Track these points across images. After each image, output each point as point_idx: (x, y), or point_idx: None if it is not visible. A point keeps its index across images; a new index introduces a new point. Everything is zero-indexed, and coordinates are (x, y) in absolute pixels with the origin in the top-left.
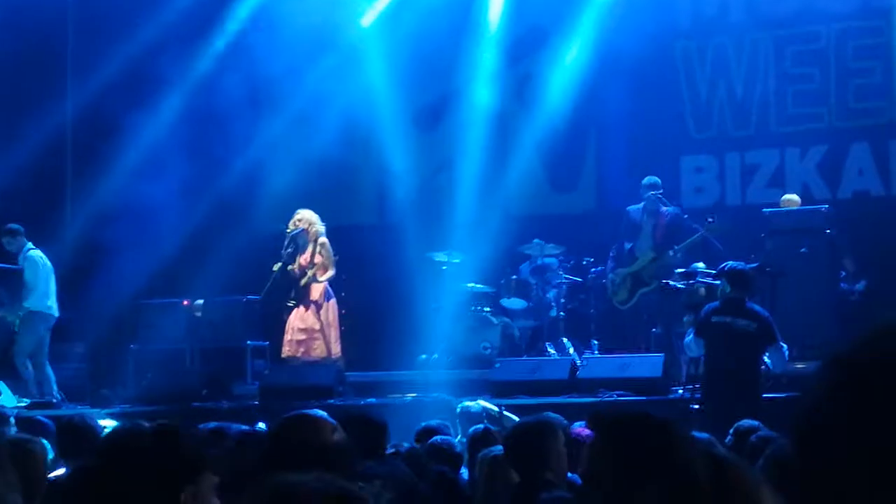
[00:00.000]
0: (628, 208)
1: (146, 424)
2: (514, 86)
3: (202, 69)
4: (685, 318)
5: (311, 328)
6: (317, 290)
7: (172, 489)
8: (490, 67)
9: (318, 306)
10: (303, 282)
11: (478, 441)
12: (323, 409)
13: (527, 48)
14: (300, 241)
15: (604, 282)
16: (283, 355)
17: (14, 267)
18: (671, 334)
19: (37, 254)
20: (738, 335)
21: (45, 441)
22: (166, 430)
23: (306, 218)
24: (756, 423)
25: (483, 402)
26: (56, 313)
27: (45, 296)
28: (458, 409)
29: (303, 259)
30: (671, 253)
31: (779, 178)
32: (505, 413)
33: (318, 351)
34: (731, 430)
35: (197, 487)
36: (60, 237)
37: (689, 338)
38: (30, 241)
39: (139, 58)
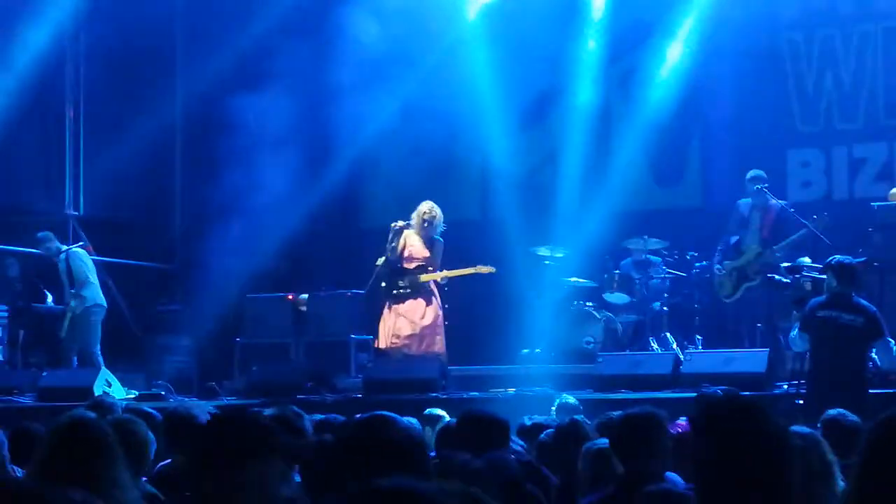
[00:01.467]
0: (738, 202)
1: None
2: (617, 80)
3: (303, 68)
4: (793, 313)
5: (434, 324)
6: (435, 287)
7: (235, 465)
8: (593, 62)
9: (435, 303)
10: (425, 277)
11: (567, 434)
12: (430, 403)
13: (631, 42)
14: (417, 232)
15: (708, 276)
16: (386, 346)
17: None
18: (776, 329)
19: (79, 250)
20: (845, 330)
21: (150, 432)
22: (229, 415)
23: (437, 214)
24: (843, 412)
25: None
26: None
27: (99, 288)
28: (556, 404)
29: (416, 252)
30: (775, 251)
31: (887, 171)
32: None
33: (438, 346)
34: (819, 422)
35: (263, 467)
36: (169, 232)
37: (795, 332)
38: (140, 236)
39: (247, 54)
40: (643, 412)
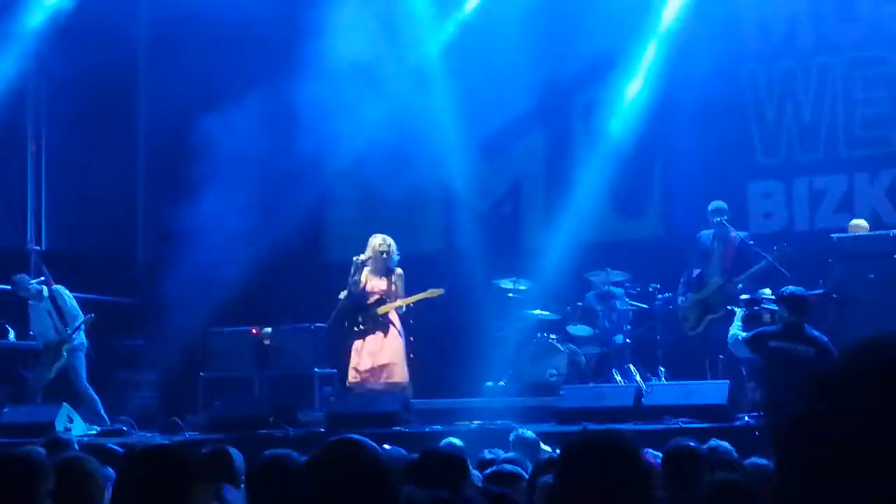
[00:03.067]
0: (700, 234)
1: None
2: (580, 111)
3: (267, 99)
4: (737, 315)
5: (393, 355)
6: (395, 319)
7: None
8: (556, 93)
9: (399, 333)
10: (382, 309)
11: (542, 469)
12: (390, 438)
13: (593, 73)
14: (375, 266)
15: (671, 308)
16: (349, 382)
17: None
18: (738, 361)
19: (60, 287)
20: (796, 360)
21: (109, 469)
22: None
23: (391, 246)
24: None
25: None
26: None
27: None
28: (512, 437)
29: (374, 285)
30: (736, 283)
31: (847, 203)
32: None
33: (395, 377)
34: None
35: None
36: (132, 266)
37: (740, 337)
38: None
39: (209, 85)
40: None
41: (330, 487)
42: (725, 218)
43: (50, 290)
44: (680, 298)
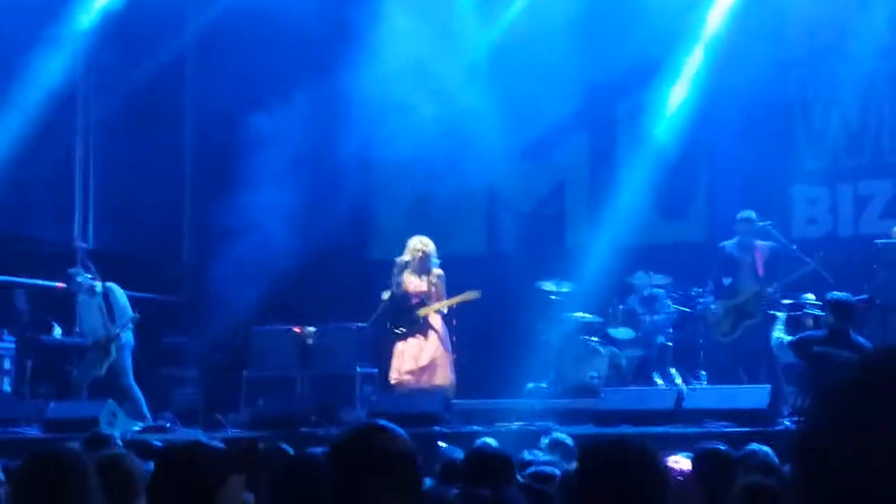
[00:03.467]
0: (722, 244)
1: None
2: (626, 114)
3: (312, 103)
4: (782, 319)
5: (434, 357)
6: (436, 320)
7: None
8: (602, 96)
9: (439, 335)
10: (422, 312)
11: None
12: (434, 437)
13: (639, 76)
14: (414, 268)
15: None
16: (393, 382)
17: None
18: (779, 366)
19: (114, 285)
20: (842, 367)
21: (151, 465)
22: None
23: (428, 247)
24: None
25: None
26: None
27: None
28: (546, 440)
29: (415, 287)
30: (772, 289)
31: (892, 208)
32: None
33: (440, 379)
34: None
35: (227, 487)
36: (177, 265)
37: (784, 341)
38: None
39: (256, 85)
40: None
41: (353, 472)
42: (751, 227)
43: (103, 287)
44: (712, 306)
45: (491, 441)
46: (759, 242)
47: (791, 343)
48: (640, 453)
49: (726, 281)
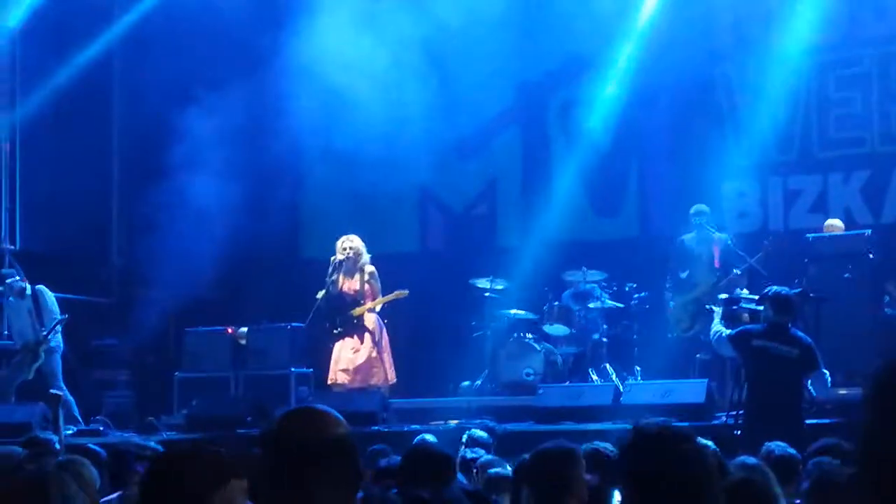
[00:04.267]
0: (682, 237)
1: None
2: (557, 110)
3: (242, 101)
4: (717, 314)
5: (370, 357)
6: (370, 319)
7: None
8: (533, 93)
9: (373, 334)
10: (356, 312)
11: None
12: (369, 437)
13: (570, 72)
14: (346, 268)
15: (647, 307)
16: (330, 382)
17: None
18: (718, 359)
19: (44, 287)
20: (780, 360)
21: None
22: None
23: (356, 246)
24: (782, 444)
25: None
26: None
27: None
28: (465, 437)
29: (348, 286)
30: (736, 272)
31: (822, 203)
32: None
33: (377, 379)
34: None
35: (225, 493)
36: (105, 266)
37: (723, 335)
38: (76, 270)
39: (185, 83)
40: (556, 446)
41: (286, 459)
42: (706, 220)
43: (33, 289)
44: (670, 303)
45: (430, 437)
46: (714, 235)
47: (730, 336)
48: (688, 441)
49: (683, 274)
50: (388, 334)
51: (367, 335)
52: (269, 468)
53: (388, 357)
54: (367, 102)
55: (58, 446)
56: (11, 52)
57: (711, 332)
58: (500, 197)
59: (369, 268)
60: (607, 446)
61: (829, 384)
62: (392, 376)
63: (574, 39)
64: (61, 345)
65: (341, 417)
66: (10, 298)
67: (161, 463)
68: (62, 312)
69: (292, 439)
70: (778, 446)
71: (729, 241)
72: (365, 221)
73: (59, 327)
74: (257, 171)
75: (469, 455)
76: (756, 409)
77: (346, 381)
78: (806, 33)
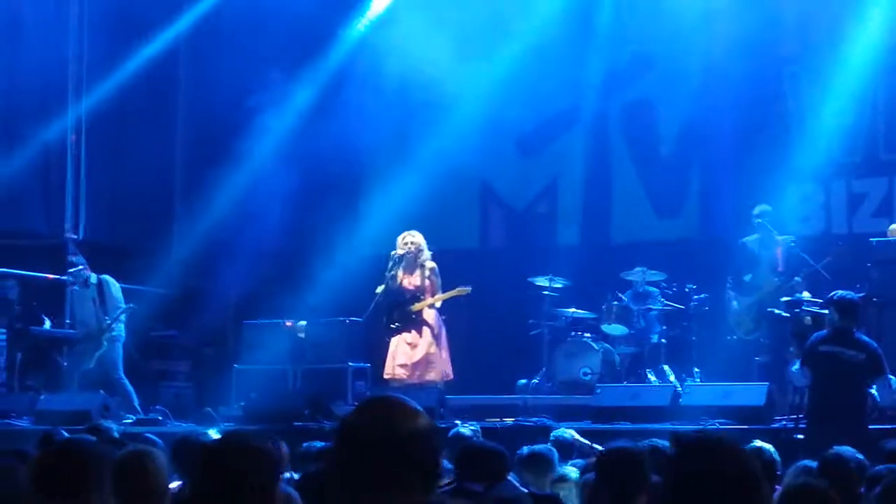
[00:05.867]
0: (743, 240)
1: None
2: (619, 110)
3: (305, 97)
4: (791, 349)
5: (428, 352)
6: (429, 315)
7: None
8: (595, 94)
9: (432, 329)
10: (415, 307)
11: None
12: None
13: (633, 73)
14: (406, 263)
15: (707, 309)
16: (387, 377)
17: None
18: (778, 363)
19: (110, 278)
20: (846, 365)
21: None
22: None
23: (417, 241)
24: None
25: (574, 434)
26: None
27: None
28: (551, 437)
29: (408, 282)
30: (797, 279)
31: (886, 207)
32: (594, 446)
33: (434, 374)
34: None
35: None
36: (168, 257)
37: (796, 366)
38: (138, 261)
39: (249, 80)
40: (631, 447)
41: (361, 449)
42: (769, 220)
43: (98, 279)
44: (733, 303)
45: (465, 430)
46: (777, 237)
47: (800, 362)
48: (736, 451)
49: (746, 277)
50: (447, 330)
51: (425, 330)
52: (342, 462)
53: (445, 353)
54: (430, 98)
55: (116, 435)
56: (78, 43)
57: (790, 372)
58: (561, 195)
59: (430, 264)
60: (666, 444)
61: (895, 390)
62: (450, 372)
63: (639, 40)
64: (123, 335)
65: (420, 408)
66: (76, 287)
67: (224, 454)
68: (126, 303)
69: (371, 432)
70: (846, 451)
71: (792, 244)
72: (425, 217)
73: (123, 316)
74: (320, 164)
75: (525, 452)
76: (820, 413)
77: (403, 377)
78: (873, 35)
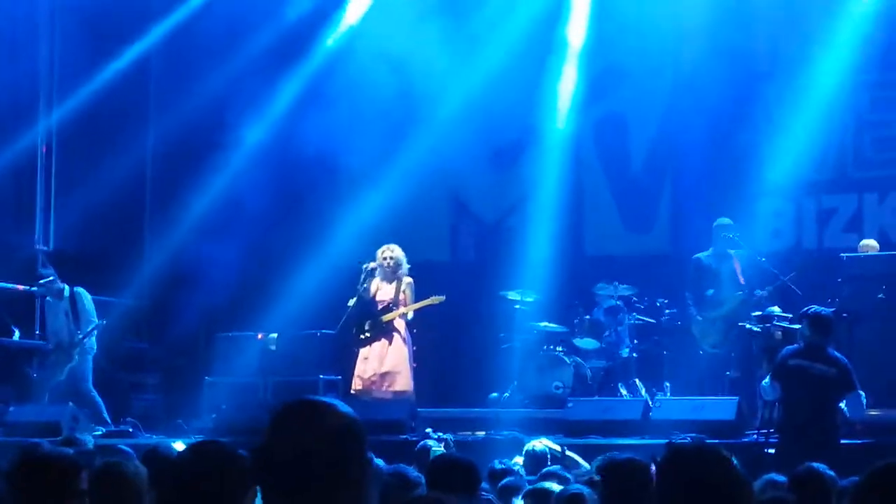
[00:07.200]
0: (697, 256)
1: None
2: (590, 125)
3: (279, 108)
4: (763, 363)
5: (395, 364)
6: (400, 326)
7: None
8: (567, 107)
9: (403, 340)
10: (387, 317)
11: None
12: (399, 445)
13: (604, 88)
14: (382, 275)
15: (678, 323)
16: (353, 390)
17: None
18: (753, 377)
19: (83, 290)
20: (816, 380)
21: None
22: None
23: (396, 255)
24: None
25: (546, 442)
26: None
27: None
28: (524, 450)
29: (382, 294)
30: (759, 293)
31: (856, 223)
32: (568, 453)
33: (399, 386)
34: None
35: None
36: (138, 269)
37: (766, 381)
38: (108, 272)
39: (220, 89)
40: (630, 458)
41: (291, 454)
42: (731, 234)
43: (71, 291)
44: (697, 318)
45: (433, 444)
46: (733, 251)
47: (770, 376)
48: (723, 462)
49: (709, 292)
50: (417, 343)
51: (396, 340)
52: (273, 485)
53: (409, 368)
54: (402, 110)
55: (91, 447)
56: (49, 53)
57: (761, 387)
58: (532, 209)
59: (408, 279)
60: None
61: (864, 406)
62: (411, 386)
63: (610, 54)
64: (94, 347)
65: (337, 403)
66: (48, 298)
67: (197, 463)
68: (100, 317)
69: (289, 449)
70: (818, 466)
71: (750, 256)
72: (397, 229)
73: (96, 332)
74: (292, 175)
75: (498, 466)
76: (791, 428)
77: (370, 386)
78: (844, 54)
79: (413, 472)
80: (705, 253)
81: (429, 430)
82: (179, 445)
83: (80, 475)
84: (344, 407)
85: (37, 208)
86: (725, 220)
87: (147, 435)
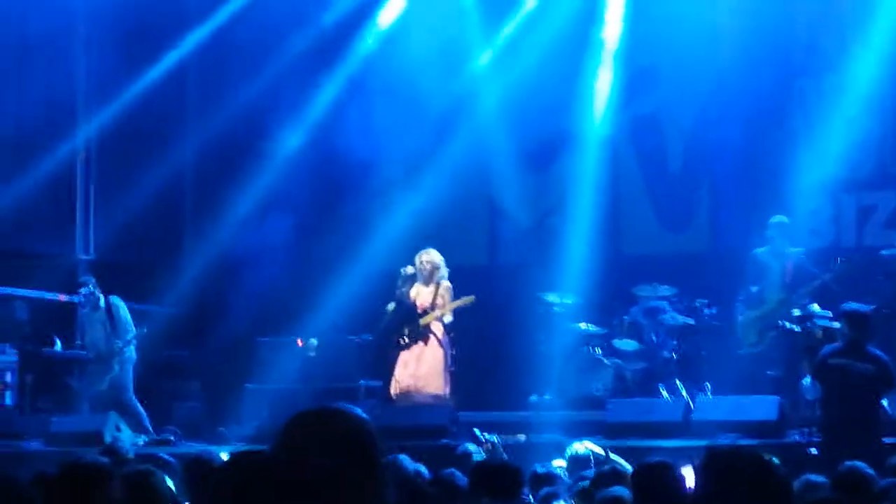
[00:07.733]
0: (755, 251)
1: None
2: (627, 125)
3: (316, 113)
4: (803, 362)
5: (431, 367)
6: (438, 330)
7: None
8: (603, 108)
9: (440, 343)
10: (425, 320)
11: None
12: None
13: (641, 87)
14: (420, 280)
15: (718, 323)
16: (393, 395)
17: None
18: (790, 376)
19: (118, 299)
20: (856, 378)
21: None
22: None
23: (433, 260)
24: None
25: (589, 445)
26: None
27: None
28: (567, 454)
29: (421, 299)
30: (800, 297)
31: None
32: (612, 456)
33: (434, 388)
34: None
35: None
36: (179, 276)
37: (807, 380)
38: (149, 280)
39: (258, 99)
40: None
41: (297, 460)
42: (782, 232)
43: (107, 301)
44: (739, 317)
45: (472, 447)
46: (790, 249)
47: (812, 375)
48: (761, 464)
49: (754, 289)
50: (456, 347)
51: (433, 343)
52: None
53: (447, 372)
54: (438, 115)
55: (132, 456)
56: (86, 63)
57: (802, 386)
58: (570, 211)
59: (446, 283)
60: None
61: None
62: (447, 390)
63: (646, 53)
64: (134, 357)
65: (349, 410)
66: (85, 310)
67: (236, 473)
68: (136, 323)
69: (291, 457)
70: (861, 465)
71: (803, 257)
72: (435, 233)
73: (135, 341)
74: (328, 181)
75: (540, 470)
76: (833, 427)
77: (407, 388)
78: (882, 49)
79: (460, 477)
80: (762, 249)
81: (475, 429)
82: (225, 455)
83: (111, 483)
84: (354, 413)
85: (77, 218)
86: (781, 218)
87: (188, 443)
